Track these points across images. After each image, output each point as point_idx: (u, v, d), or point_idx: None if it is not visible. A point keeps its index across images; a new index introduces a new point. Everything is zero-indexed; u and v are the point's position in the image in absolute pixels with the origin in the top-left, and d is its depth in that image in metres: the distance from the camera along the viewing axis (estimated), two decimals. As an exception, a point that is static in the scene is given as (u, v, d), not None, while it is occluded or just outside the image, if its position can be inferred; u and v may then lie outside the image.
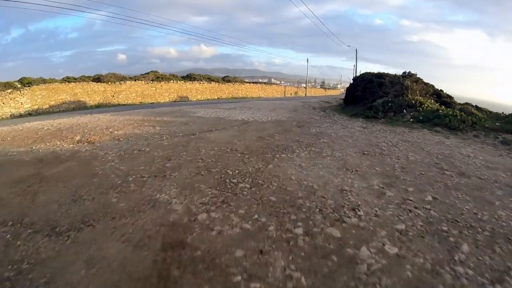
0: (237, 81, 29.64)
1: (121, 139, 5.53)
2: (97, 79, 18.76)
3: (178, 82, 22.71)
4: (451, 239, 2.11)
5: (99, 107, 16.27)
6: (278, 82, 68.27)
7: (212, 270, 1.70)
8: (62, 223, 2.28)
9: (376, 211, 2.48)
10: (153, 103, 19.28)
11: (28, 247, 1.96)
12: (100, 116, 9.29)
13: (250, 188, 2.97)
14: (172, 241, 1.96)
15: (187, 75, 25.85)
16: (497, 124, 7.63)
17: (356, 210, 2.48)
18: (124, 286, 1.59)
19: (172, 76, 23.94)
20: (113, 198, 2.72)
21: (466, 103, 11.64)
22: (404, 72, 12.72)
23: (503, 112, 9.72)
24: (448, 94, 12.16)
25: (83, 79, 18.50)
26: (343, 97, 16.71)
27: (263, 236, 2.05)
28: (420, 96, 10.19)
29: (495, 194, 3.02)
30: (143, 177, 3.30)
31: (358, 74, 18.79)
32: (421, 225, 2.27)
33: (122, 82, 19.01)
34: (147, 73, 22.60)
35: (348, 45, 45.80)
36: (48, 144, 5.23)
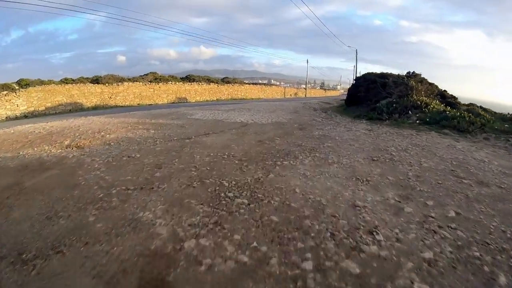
0: (236, 82, 29.28)
1: (112, 143, 5.26)
2: (96, 80, 18.46)
3: (177, 83, 22.33)
4: (486, 268, 1.81)
5: (96, 109, 15.95)
6: (278, 83, 68.03)
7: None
8: (30, 248, 2.02)
9: (397, 233, 2.13)
10: (151, 104, 18.94)
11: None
12: (94, 119, 8.98)
13: (248, 204, 2.59)
14: (151, 279, 1.61)
15: (186, 76, 25.49)
16: (506, 125, 7.30)
17: (374, 233, 2.12)
18: None
19: (171, 77, 23.59)
20: (90, 216, 2.38)
21: (471, 104, 11.31)
22: (408, 72, 12.39)
23: (508, 113, 9.41)
24: (452, 95, 11.82)
25: (80, 80, 18.20)
26: (344, 98, 16.38)
27: (263, 274, 1.68)
28: (425, 96, 9.86)
29: (519, 206, 2.71)
30: (128, 189, 2.96)
31: (358, 75, 18.47)
32: (450, 252, 1.93)
33: (119, 83, 18.66)
34: (146, 75, 22.32)
35: (349, 46, 45.59)
36: (36, 149, 5.04)
